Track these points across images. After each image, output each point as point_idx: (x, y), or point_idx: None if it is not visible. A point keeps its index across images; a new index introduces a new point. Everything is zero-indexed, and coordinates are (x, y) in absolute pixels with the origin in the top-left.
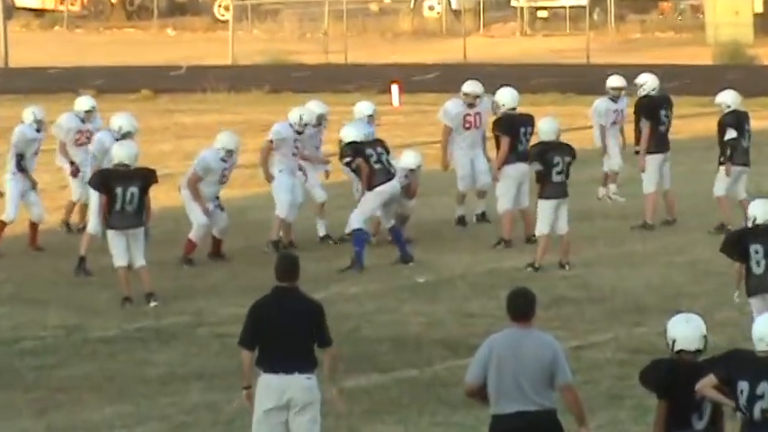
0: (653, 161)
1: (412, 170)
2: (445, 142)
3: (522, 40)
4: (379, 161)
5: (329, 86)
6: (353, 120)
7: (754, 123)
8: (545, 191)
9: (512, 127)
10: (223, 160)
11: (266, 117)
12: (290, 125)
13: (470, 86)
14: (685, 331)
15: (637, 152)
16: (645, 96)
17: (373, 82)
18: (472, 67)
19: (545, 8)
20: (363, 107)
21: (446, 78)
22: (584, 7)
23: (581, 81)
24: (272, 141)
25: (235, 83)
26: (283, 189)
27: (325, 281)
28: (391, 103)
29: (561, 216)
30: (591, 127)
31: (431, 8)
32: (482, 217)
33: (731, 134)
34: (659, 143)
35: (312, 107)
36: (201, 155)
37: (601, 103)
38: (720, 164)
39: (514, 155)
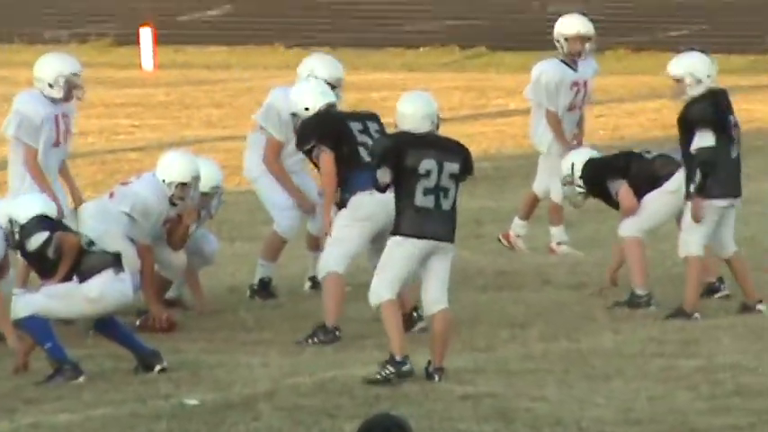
0: (706, 211)
1: (205, 194)
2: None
3: None
4: (92, 243)
5: (20, 31)
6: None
7: None
8: (404, 222)
9: (338, 129)
10: None
11: None
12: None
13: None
14: None
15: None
16: (701, 97)
17: (106, 24)
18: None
19: None
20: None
21: (244, 18)
22: None
23: (500, 25)
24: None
25: None
26: None
27: (12, 400)
28: (139, 65)
29: (433, 275)
30: (518, 112)
31: None
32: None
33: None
34: (724, 178)
35: None
36: None
37: (550, 67)
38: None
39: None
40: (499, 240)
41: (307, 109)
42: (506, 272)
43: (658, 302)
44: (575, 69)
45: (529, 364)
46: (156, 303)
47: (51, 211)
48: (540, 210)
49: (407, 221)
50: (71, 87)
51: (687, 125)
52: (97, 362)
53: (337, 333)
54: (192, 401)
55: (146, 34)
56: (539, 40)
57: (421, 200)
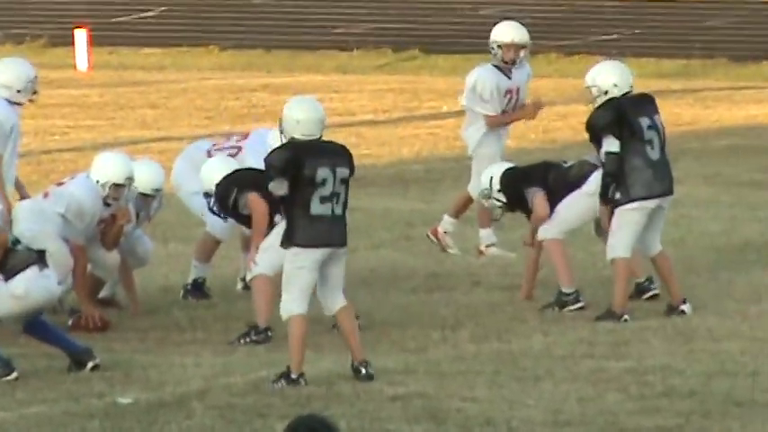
0: (632, 213)
1: (146, 195)
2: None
3: None
4: (17, 241)
5: None
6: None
7: (756, 112)
8: (297, 232)
9: (250, 174)
10: None
11: None
12: None
13: (514, 30)
14: None
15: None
16: (602, 105)
17: (40, 24)
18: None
19: None
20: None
21: (178, 19)
22: None
23: (433, 29)
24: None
25: None
26: None
27: None
28: (74, 66)
29: (330, 279)
30: (450, 115)
31: None
32: (194, 290)
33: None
34: (646, 180)
35: None
36: None
37: (485, 74)
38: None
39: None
40: (428, 236)
41: (216, 187)
42: (437, 273)
43: (586, 300)
44: (509, 77)
45: (459, 365)
46: (88, 303)
47: None
48: (470, 211)
49: (302, 232)
50: (34, 92)
51: (589, 132)
52: (30, 360)
53: (269, 333)
54: (126, 400)
55: (80, 35)
56: (471, 43)
57: (317, 208)
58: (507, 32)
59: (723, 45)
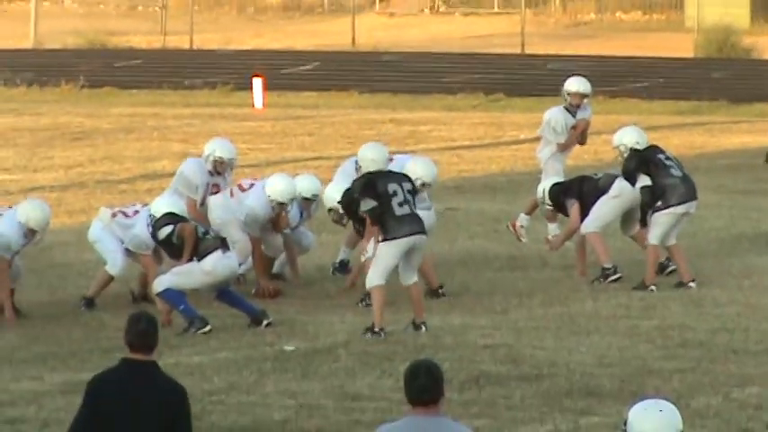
0: (665, 216)
1: (307, 199)
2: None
3: (434, 19)
4: (207, 233)
5: (167, 80)
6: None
7: (749, 140)
8: (392, 230)
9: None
10: (24, 236)
11: (80, 121)
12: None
13: (579, 83)
14: (653, 424)
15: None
16: (631, 152)
17: (228, 75)
18: (364, 57)
19: None
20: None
21: (328, 71)
22: None
23: (514, 78)
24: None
25: (38, 74)
26: (107, 238)
27: (159, 346)
28: (252, 105)
29: (410, 261)
30: (526, 140)
31: None
32: (340, 268)
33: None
34: (678, 192)
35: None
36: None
37: (558, 114)
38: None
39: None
40: (507, 227)
41: (339, 202)
42: (516, 257)
43: (623, 274)
44: (574, 116)
45: (532, 323)
46: (264, 277)
47: (180, 209)
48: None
49: (395, 229)
50: (216, 167)
51: (624, 176)
52: (221, 319)
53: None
54: (290, 348)
55: (257, 82)
56: (541, 89)
57: (399, 210)
58: (574, 84)
59: (725, 91)
